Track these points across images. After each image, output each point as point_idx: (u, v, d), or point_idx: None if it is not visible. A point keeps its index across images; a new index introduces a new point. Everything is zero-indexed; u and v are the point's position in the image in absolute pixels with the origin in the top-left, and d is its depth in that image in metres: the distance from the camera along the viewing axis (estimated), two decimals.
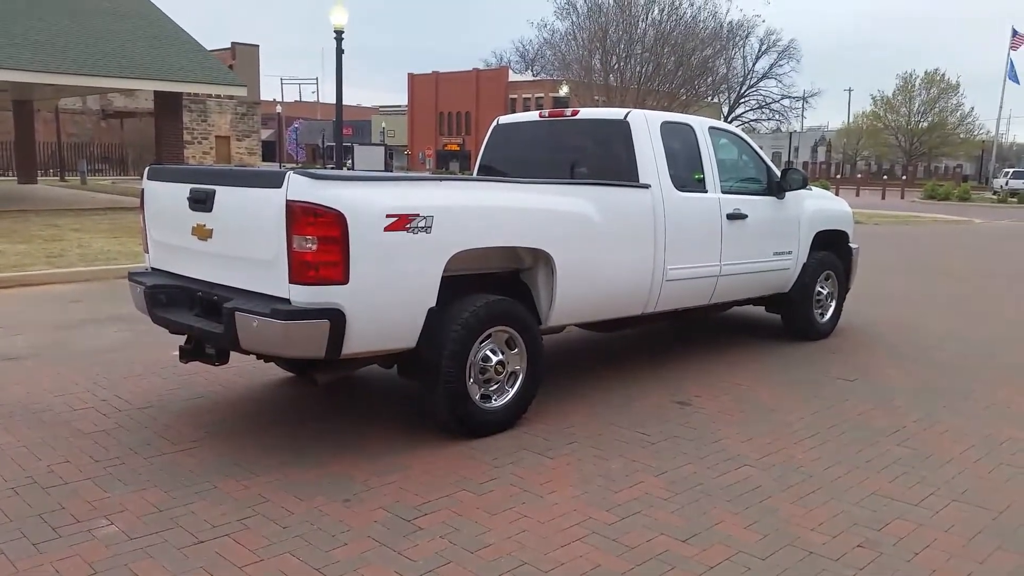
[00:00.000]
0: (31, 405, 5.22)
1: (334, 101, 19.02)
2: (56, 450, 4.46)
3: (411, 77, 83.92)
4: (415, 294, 4.32)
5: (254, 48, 52.44)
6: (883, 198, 40.72)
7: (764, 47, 30.23)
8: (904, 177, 51.86)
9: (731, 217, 6.31)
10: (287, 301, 4.04)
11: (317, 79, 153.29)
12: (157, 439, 4.66)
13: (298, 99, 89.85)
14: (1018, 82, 41.81)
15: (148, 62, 18.96)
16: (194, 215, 4.53)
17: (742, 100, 56.14)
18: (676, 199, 5.81)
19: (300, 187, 3.95)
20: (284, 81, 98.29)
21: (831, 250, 7.58)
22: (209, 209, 4.42)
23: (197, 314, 4.63)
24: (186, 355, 4.75)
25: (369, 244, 4.07)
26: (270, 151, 69.43)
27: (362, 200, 4.06)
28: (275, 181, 4.02)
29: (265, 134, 65.60)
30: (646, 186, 5.64)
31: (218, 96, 46.11)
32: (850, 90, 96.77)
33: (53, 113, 36.70)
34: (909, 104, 59.42)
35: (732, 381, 6.12)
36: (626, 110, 5.97)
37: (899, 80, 60.25)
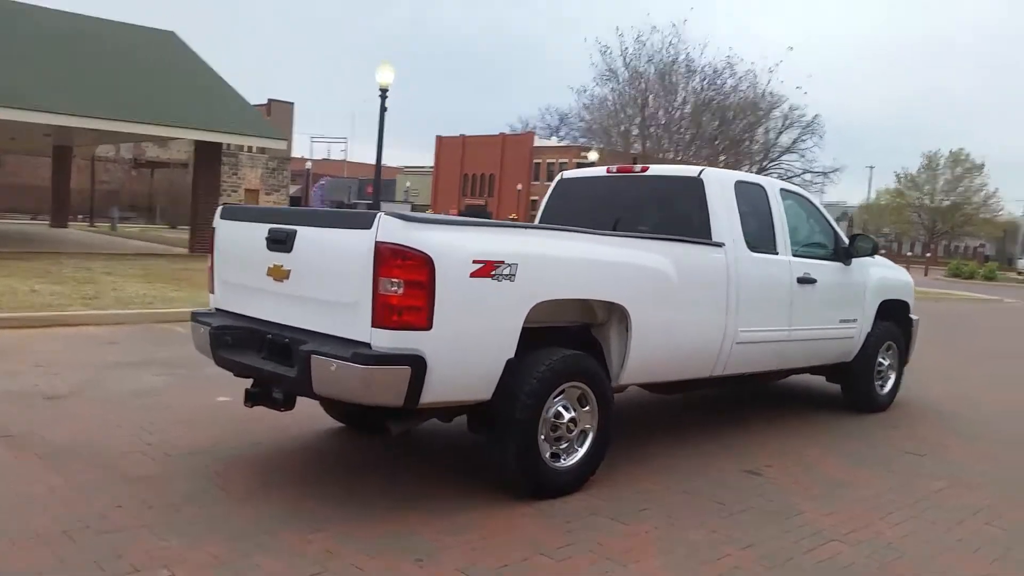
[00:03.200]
0: (77, 447, 5.03)
1: (360, 160, 19.35)
2: (107, 494, 4.25)
3: (439, 139, 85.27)
4: (496, 344, 4.16)
5: (289, 105, 53.57)
6: None
7: (788, 122, 30.17)
8: (929, 255, 51.64)
9: (801, 281, 6.13)
10: (367, 345, 3.88)
11: (347, 139, 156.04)
12: (211, 487, 4.46)
13: (326, 157, 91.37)
14: None
15: (191, 112, 19.25)
16: (271, 255, 4.41)
17: (765, 172, 56.29)
18: (749, 260, 5.65)
19: (391, 229, 3.83)
20: (313, 139, 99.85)
21: (892, 320, 7.37)
22: (288, 249, 4.30)
23: (265, 357, 4.47)
24: (251, 399, 4.58)
25: (454, 290, 3.92)
26: (296, 206, 70.25)
27: (450, 244, 3.94)
28: (364, 222, 3.91)
29: (291, 189, 66.68)
30: (720, 245, 5.50)
31: (250, 149, 46.97)
32: (871, 167, 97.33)
33: (88, 160, 37.33)
34: (933, 182, 59.62)
35: (798, 452, 5.86)
36: (699, 168, 5.87)
37: (924, 159, 60.62)
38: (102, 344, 8.68)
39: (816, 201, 6.99)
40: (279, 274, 4.37)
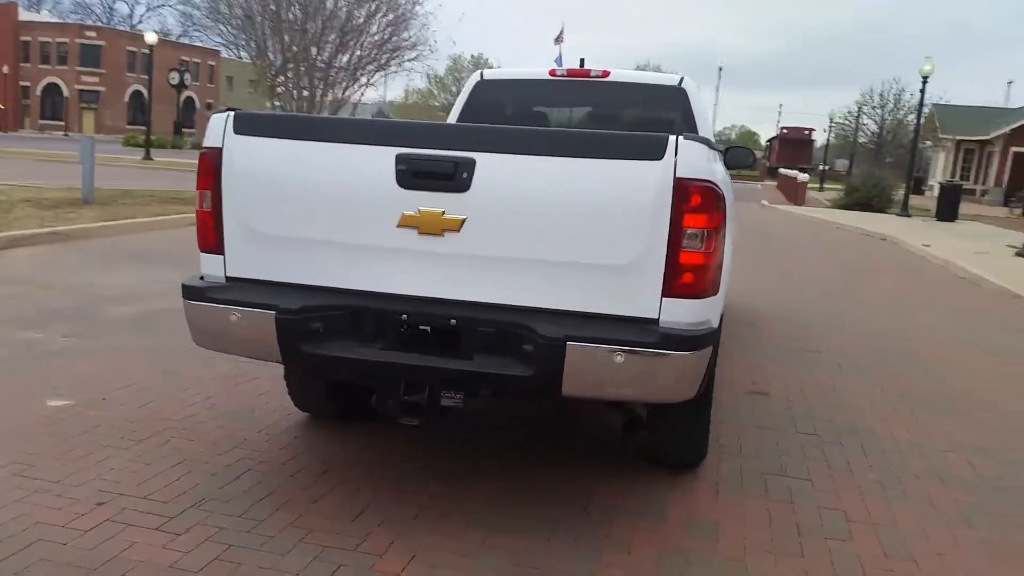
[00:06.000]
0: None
1: None
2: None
3: None
4: (723, 303, 3.38)
5: None
6: None
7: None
8: None
9: None
10: (652, 322, 2.83)
11: None
12: (312, 540, 2.94)
13: None
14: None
15: None
16: (411, 196, 2.89)
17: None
18: (727, 179, 5.42)
19: (695, 159, 2.78)
20: None
21: None
22: (462, 188, 2.85)
23: (386, 347, 3.00)
24: (411, 412, 3.03)
25: (725, 239, 3.06)
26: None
27: (720, 176, 3.02)
28: (647, 149, 2.77)
29: None
30: None
31: None
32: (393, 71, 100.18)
33: None
34: (459, 84, 64.65)
35: (744, 364, 5.96)
36: (678, 75, 5.35)
37: (450, 61, 65.00)
38: None
39: None
40: (436, 225, 2.89)
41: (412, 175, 2.89)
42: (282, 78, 26.86)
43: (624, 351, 2.74)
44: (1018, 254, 13.96)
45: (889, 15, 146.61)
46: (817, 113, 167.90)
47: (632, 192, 2.78)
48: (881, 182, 26.21)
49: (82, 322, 5.97)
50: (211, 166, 3.12)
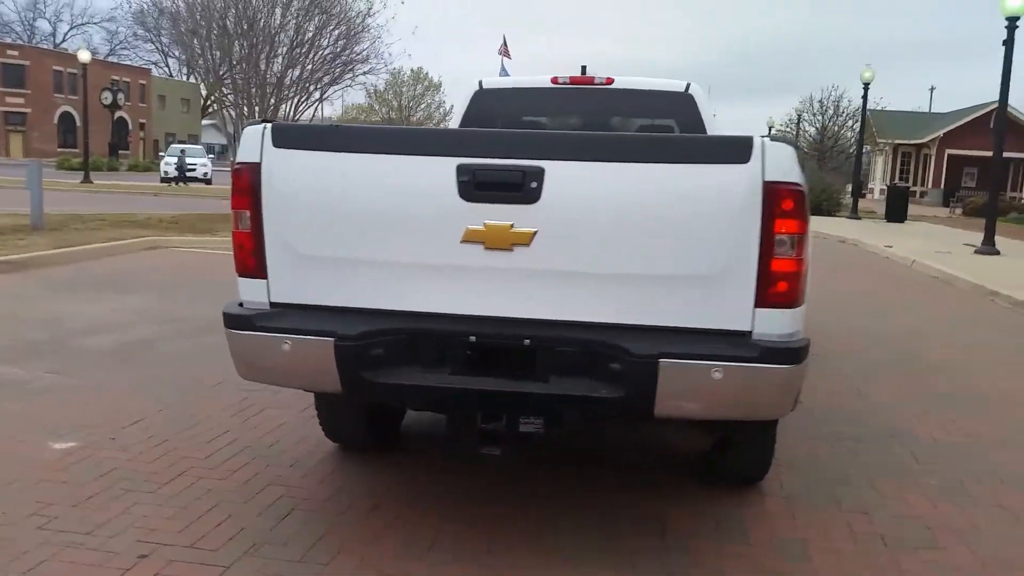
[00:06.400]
0: None
1: None
2: None
3: None
4: None
5: None
6: None
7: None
8: None
9: None
10: (744, 335, 2.66)
11: None
12: None
13: None
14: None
15: None
16: (477, 209, 2.68)
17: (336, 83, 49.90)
18: None
19: (783, 161, 2.63)
20: None
21: None
22: (532, 199, 2.65)
23: (454, 372, 2.78)
24: (490, 440, 2.81)
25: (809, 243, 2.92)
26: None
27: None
28: (733, 152, 2.61)
29: None
30: None
31: None
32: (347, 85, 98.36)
33: None
34: (399, 98, 64.20)
35: None
36: (684, 81, 5.23)
37: (389, 75, 64.36)
38: None
39: None
40: (504, 239, 2.68)
41: (476, 187, 2.68)
42: (227, 91, 26.06)
43: (723, 367, 2.57)
44: (977, 252, 14.29)
45: (819, 25, 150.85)
46: (750, 122, 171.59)
47: (717, 198, 2.62)
48: (829, 187, 26.79)
49: (62, 356, 5.57)
50: (248, 183, 2.85)
